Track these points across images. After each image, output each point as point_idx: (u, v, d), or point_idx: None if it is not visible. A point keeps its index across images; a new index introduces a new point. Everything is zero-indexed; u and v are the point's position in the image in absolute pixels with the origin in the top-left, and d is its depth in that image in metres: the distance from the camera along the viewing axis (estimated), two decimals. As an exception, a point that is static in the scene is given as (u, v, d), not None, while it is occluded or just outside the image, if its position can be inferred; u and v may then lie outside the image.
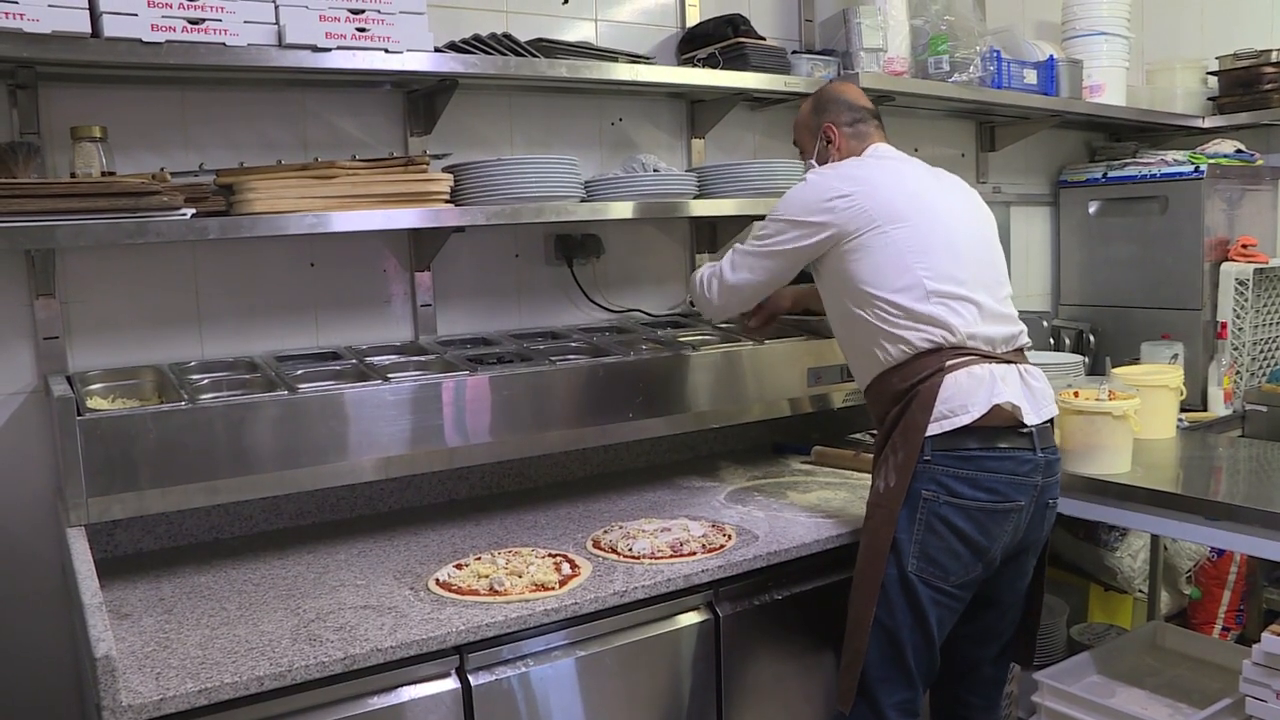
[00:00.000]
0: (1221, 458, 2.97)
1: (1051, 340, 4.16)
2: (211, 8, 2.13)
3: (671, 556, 2.28)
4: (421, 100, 2.74)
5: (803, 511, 2.62)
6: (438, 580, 2.17)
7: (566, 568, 2.21)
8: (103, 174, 2.20)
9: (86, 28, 2.03)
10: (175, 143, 2.48)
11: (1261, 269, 3.95)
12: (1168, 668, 3.08)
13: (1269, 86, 4.13)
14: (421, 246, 2.79)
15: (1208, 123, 4.32)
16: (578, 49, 2.83)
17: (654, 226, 3.24)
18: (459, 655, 1.97)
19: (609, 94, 3.12)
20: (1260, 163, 4.18)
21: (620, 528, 2.47)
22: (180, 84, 2.47)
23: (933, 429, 2.19)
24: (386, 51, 2.36)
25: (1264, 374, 4.04)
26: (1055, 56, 3.85)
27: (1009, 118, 4.03)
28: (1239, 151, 4.14)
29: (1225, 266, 3.95)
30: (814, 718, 2.49)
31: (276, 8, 2.22)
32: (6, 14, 1.95)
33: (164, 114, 2.47)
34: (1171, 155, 4.07)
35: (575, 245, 3.05)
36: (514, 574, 2.16)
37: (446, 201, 2.51)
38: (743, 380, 2.78)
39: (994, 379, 2.22)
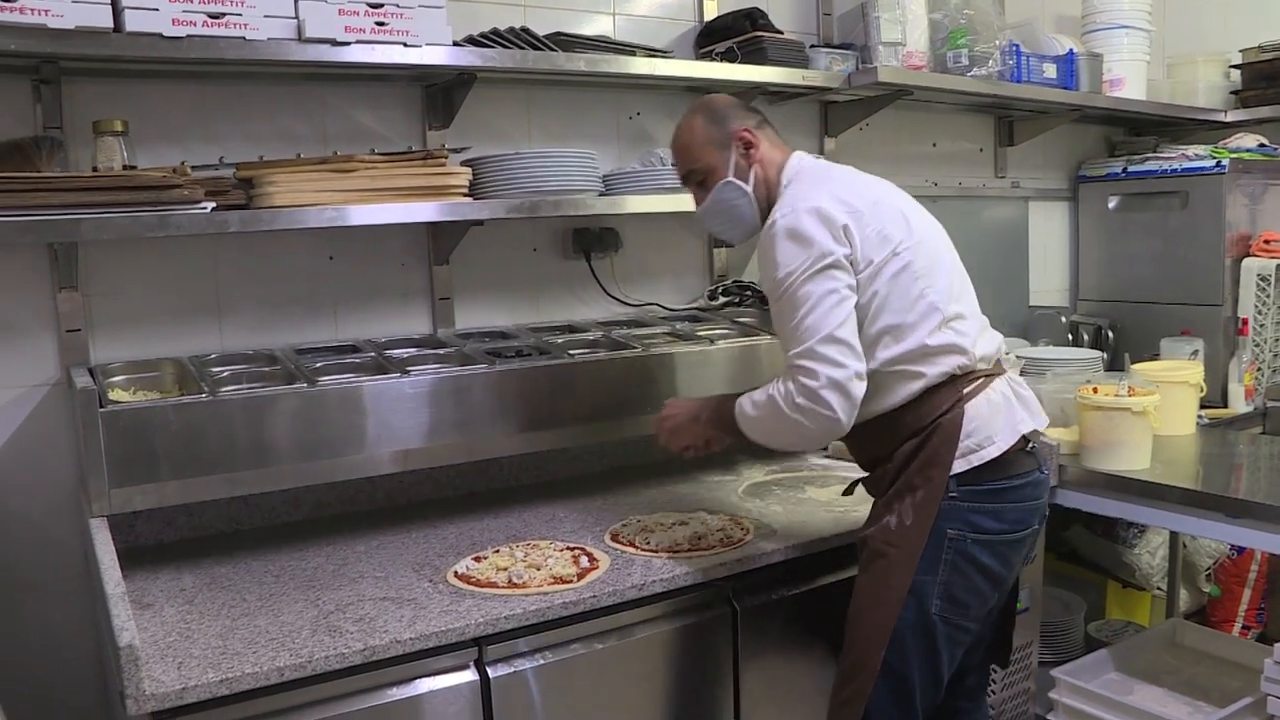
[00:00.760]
0: (1242, 455, 2.95)
1: (1070, 336, 4.13)
2: (232, 1, 2.15)
3: (689, 550, 2.28)
4: (440, 94, 2.75)
5: (821, 506, 2.62)
6: (456, 573, 2.18)
7: (585, 561, 2.22)
8: (124, 168, 2.21)
9: (109, 23, 2.05)
10: (196, 137, 2.50)
11: (1284, 264, 3.92)
12: (1187, 666, 3.07)
13: (1293, 80, 4.10)
14: (440, 240, 2.80)
15: (1230, 117, 4.28)
16: (596, 43, 2.83)
17: (672, 220, 3.23)
18: (477, 647, 1.97)
19: (627, 88, 3.12)
20: (1283, 157, 4.14)
21: (638, 521, 2.47)
22: (201, 78, 2.48)
23: (959, 465, 2.01)
24: (405, 45, 2.36)
25: (1285, 370, 4.02)
26: (1075, 50, 3.83)
27: (1028, 112, 4.01)
28: (1262, 146, 4.10)
29: (1247, 262, 3.91)
30: (831, 712, 2.49)
31: (296, 2, 2.23)
32: (31, 10, 1.96)
33: (185, 108, 2.48)
34: (1193, 150, 4.04)
35: (593, 239, 3.05)
36: (532, 567, 2.17)
37: (465, 195, 2.51)
38: (761, 373, 2.77)
39: (1008, 403, 2.08)
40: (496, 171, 2.58)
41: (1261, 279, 3.89)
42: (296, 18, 2.24)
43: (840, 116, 3.55)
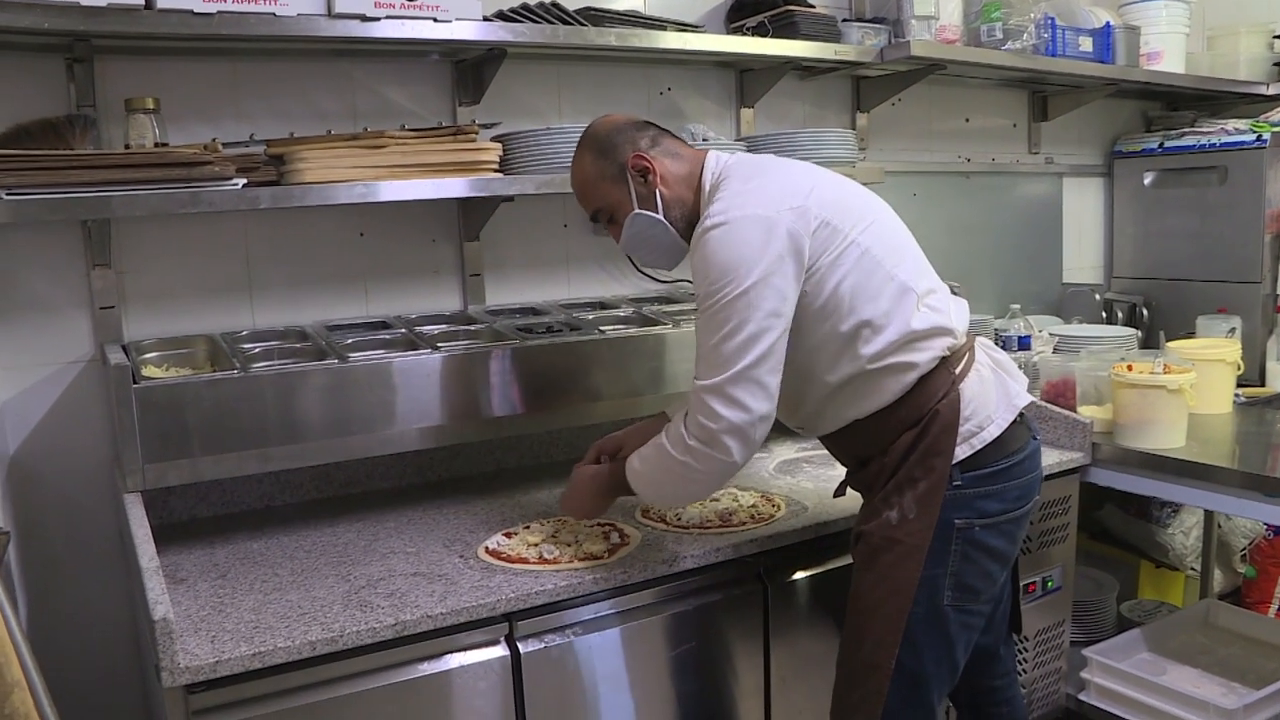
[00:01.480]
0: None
1: (1104, 314, 4.09)
2: (262, -22, 2.15)
3: (720, 527, 2.28)
4: (470, 70, 2.74)
5: (851, 484, 2.60)
6: (487, 548, 2.18)
7: (615, 537, 2.22)
8: (156, 145, 2.22)
9: (140, 0, 2.05)
10: (226, 114, 2.50)
11: (1324, 241, 3.86)
12: (1220, 646, 3.04)
13: (1340, 51, 4.02)
14: (470, 216, 2.79)
15: (1272, 89, 4.19)
16: (626, 17, 2.81)
17: (702, 197, 3.21)
18: (508, 623, 1.98)
19: (657, 63, 3.10)
20: (1326, 131, 4.07)
21: (668, 498, 2.46)
22: (231, 55, 2.49)
23: (961, 451, 1.93)
24: (435, 20, 2.35)
25: (1325, 349, 3.95)
26: (1112, 23, 3.77)
27: (1063, 86, 3.95)
28: (1304, 119, 4.03)
29: (1287, 238, 3.86)
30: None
31: (326, -23, 2.23)
32: (64, -12, 1.97)
33: (215, 85, 2.49)
34: (1233, 124, 3.97)
35: (623, 215, 3.03)
36: (563, 543, 2.17)
37: (495, 171, 2.50)
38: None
39: (996, 375, 2.02)
40: (527, 147, 2.57)
41: (1301, 256, 3.83)
42: (326, -7, 2.24)
43: (872, 92, 3.51)
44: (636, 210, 2.03)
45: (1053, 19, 3.54)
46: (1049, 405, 2.86)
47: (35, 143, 2.07)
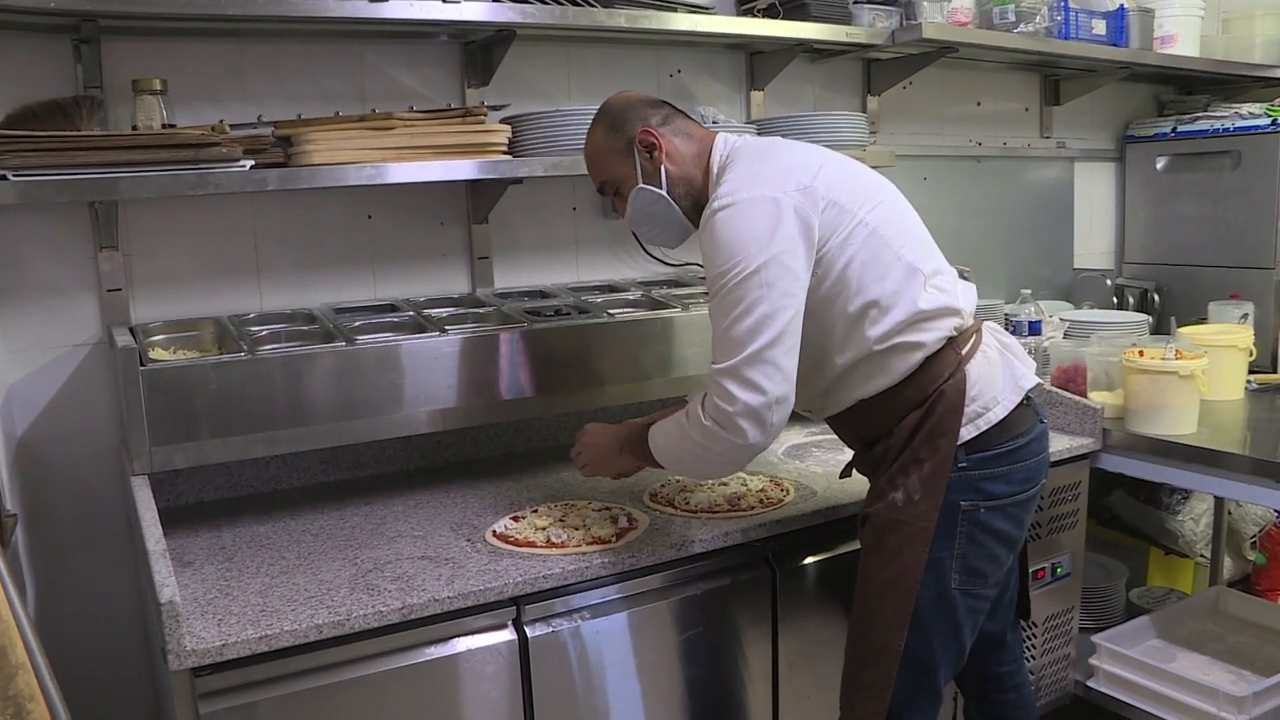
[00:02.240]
0: (1292, 420, 2.90)
1: (1115, 299, 4.07)
2: (269, -43, 2.13)
3: (729, 511, 2.27)
4: (479, 51, 2.72)
5: (860, 469, 2.60)
6: (494, 532, 2.18)
7: (623, 521, 2.21)
8: (163, 126, 2.21)
9: (147, -21, 2.04)
10: (234, 95, 2.49)
11: (1338, 226, 3.83)
12: (1230, 634, 3.03)
13: (1357, 35, 3.98)
14: (479, 198, 2.78)
15: (1287, 73, 4.17)
16: (636, -1, 2.79)
17: (711, 180, 3.20)
18: (515, 606, 1.98)
19: (667, 45, 3.08)
20: (1342, 116, 4.03)
21: (678, 481, 2.46)
22: (239, 36, 2.47)
23: (967, 432, 1.92)
24: (444, 1, 2.34)
25: (1337, 335, 3.93)
26: (1125, 5, 3.74)
27: (1075, 70, 3.92)
28: (1320, 103, 4.00)
29: (1300, 223, 3.83)
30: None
31: (334, -43, 2.22)
32: (69, -34, 1.96)
33: (223, 67, 2.47)
34: (1247, 108, 3.94)
35: (632, 199, 3.02)
36: (571, 527, 2.16)
37: (504, 153, 2.49)
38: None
39: (1003, 356, 2.01)
40: (536, 129, 2.55)
41: (1315, 241, 3.80)
42: (334, -27, 2.22)
43: (883, 75, 3.49)
44: (641, 185, 2.04)
45: (1066, 2, 3.51)
46: (1059, 390, 2.85)
47: (42, 124, 2.07)
